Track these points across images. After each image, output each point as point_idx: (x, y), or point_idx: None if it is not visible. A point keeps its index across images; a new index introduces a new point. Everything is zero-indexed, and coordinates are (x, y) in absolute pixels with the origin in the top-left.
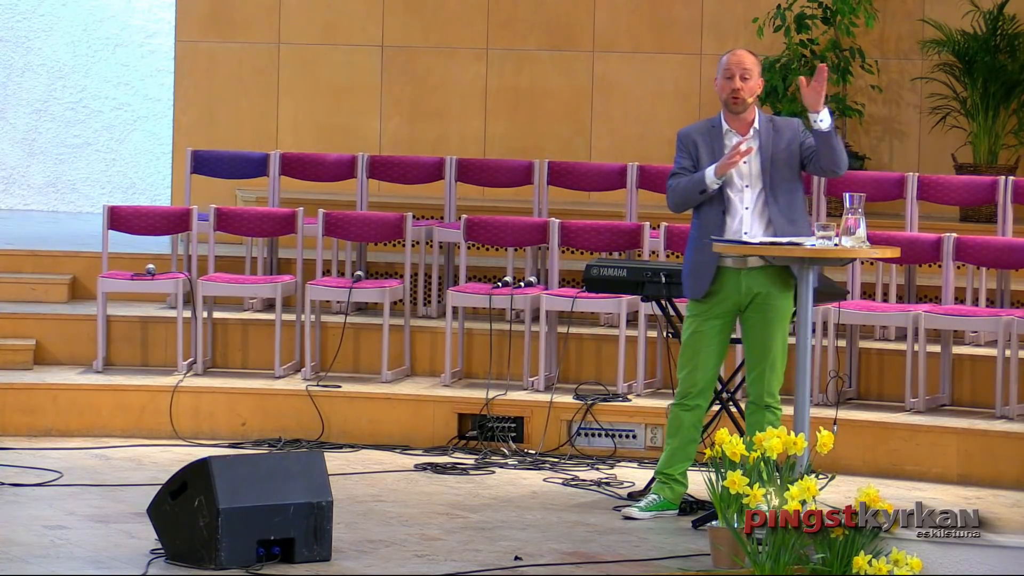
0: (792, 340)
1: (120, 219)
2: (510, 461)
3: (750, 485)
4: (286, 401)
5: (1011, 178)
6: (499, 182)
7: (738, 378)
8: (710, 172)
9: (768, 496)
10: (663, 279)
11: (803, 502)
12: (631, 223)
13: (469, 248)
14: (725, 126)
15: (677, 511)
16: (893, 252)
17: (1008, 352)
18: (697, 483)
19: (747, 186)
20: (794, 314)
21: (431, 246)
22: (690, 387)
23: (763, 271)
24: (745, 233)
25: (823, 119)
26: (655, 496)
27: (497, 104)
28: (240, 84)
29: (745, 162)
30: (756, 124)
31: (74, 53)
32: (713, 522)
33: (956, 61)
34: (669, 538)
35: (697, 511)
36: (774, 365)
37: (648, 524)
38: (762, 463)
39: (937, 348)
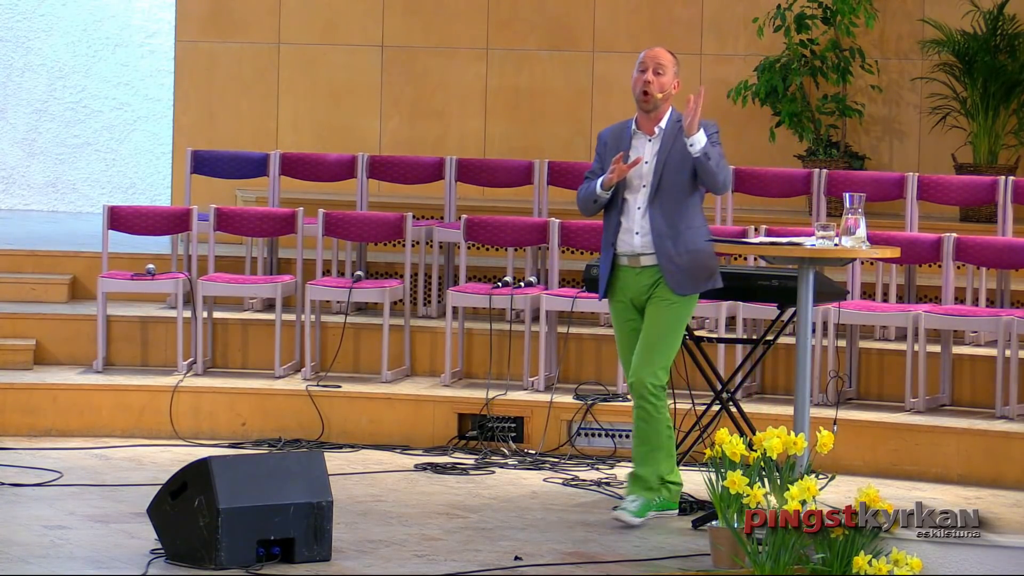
0: (792, 340)
1: (120, 219)
2: (510, 461)
3: (750, 485)
4: (286, 401)
5: (1011, 178)
6: (499, 182)
7: (738, 377)
8: (600, 182)
9: (768, 496)
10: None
11: (803, 502)
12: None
13: (469, 248)
14: (634, 126)
15: (676, 511)
16: (893, 252)
17: (1008, 352)
18: (697, 483)
19: (644, 186)
20: (792, 315)
21: (431, 246)
22: (630, 382)
23: (657, 271)
24: (636, 233)
25: (693, 144)
26: (630, 497)
27: (497, 104)
28: (240, 84)
29: (646, 162)
30: (663, 124)
31: (74, 53)
32: (713, 522)
33: (956, 61)
34: (669, 538)
35: (697, 511)
36: (651, 358)
37: (649, 524)
38: (762, 463)
39: (937, 348)
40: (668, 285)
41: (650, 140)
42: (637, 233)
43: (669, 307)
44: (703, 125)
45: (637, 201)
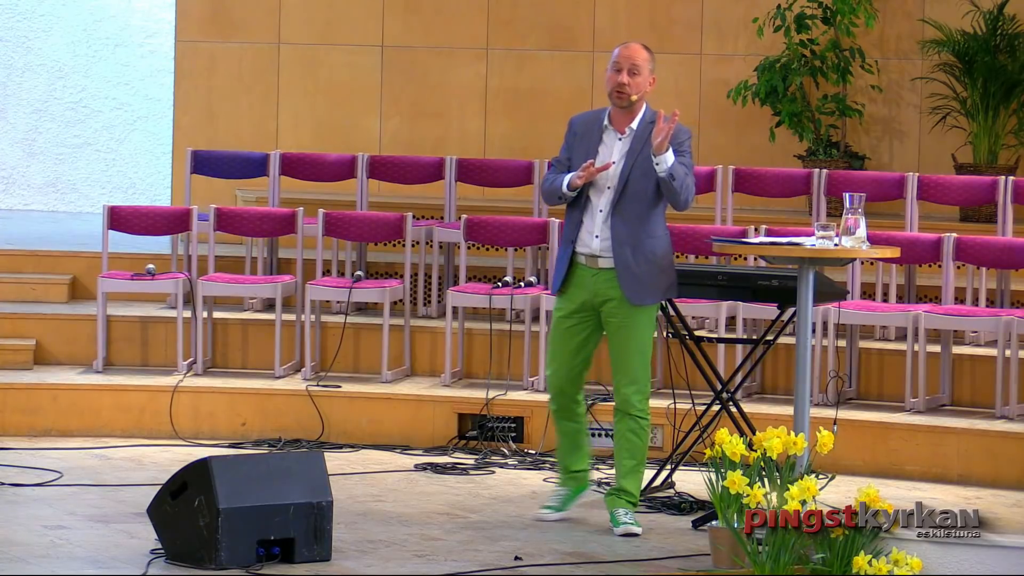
0: (792, 340)
1: (120, 219)
2: (510, 461)
3: (750, 485)
4: (286, 401)
5: (1011, 178)
6: (499, 182)
7: (738, 377)
8: (566, 180)
9: (768, 496)
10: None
11: (803, 502)
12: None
13: (469, 248)
14: (605, 120)
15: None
16: (893, 252)
17: (1008, 352)
18: (697, 483)
19: (609, 188)
20: (792, 315)
21: (431, 246)
22: (551, 381)
23: (614, 275)
24: (596, 236)
25: (659, 163)
26: (564, 489)
27: (497, 104)
28: (240, 84)
29: (614, 162)
30: (634, 124)
31: (74, 53)
32: (713, 522)
33: (956, 61)
34: (669, 538)
35: (697, 511)
36: (634, 376)
37: (649, 524)
38: (762, 463)
39: (937, 348)
40: (624, 293)
41: (620, 139)
42: (597, 236)
43: (634, 326)
44: (676, 131)
45: (601, 203)
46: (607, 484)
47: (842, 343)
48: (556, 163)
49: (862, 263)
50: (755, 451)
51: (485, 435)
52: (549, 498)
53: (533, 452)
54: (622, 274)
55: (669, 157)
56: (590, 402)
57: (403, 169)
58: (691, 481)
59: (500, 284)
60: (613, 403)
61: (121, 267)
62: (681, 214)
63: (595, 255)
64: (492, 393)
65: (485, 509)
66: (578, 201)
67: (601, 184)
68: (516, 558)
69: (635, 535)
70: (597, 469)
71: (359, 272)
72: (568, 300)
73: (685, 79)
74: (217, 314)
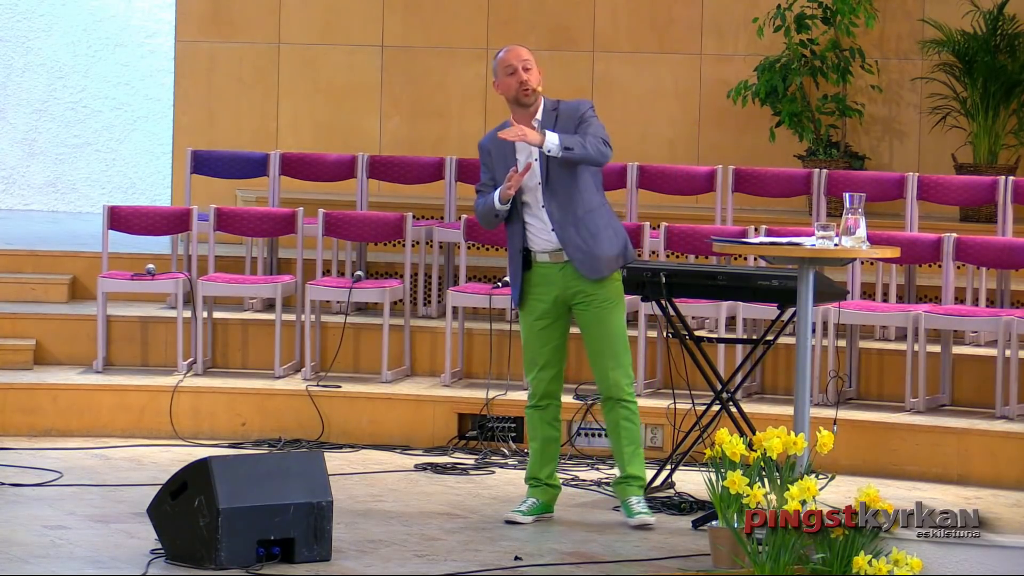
0: (792, 340)
1: (120, 219)
2: (510, 461)
3: (750, 485)
4: (286, 401)
5: (1011, 178)
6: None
7: (738, 377)
8: (497, 196)
9: (768, 496)
10: (663, 279)
11: (803, 502)
12: (631, 223)
13: (469, 248)
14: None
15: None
16: (893, 252)
17: (1008, 352)
18: (697, 483)
19: (537, 183)
20: (792, 315)
21: (431, 246)
22: (537, 388)
23: (572, 262)
24: (552, 231)
25: (549, 149)
26: (533, 500)
27: (497, 104)
28: (240, 84)
29: (535, 159)
30: (538, 116)
31: (74, 53)
32: (713, 522)
33: (956, 61)
34: (669, 538)
35: (697, 511)
36: (618, 360)
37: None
38: (762, 463)
39: (937, 348)
40: (581, 272)
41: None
42: (553, 230)
43: (604, 308)
44: (571, 109)
45: (539, 199)
46: (607, 484)
47: (842, 343)
48: (482, 187)
49: (862, 263)
50: (755, 451)
51: (485, 435)
52: (521, 503)
53: None
54: (573, 255)
55: (551, 137)
56: (590, 402)
57: (403, 169)
58: (691, 481)
59: (500, 284)
60: (600, 395)
61: (121, 267)
62: (681, 214)
63: (556, 248)
64: (492, 393)
65: (485, 509)
66: (515, 210)
67: (531, 184)
68: (516, 558)
69: (649, 526)
70: (597, 469)
71: (359, 272)
72: (538, 300)
73: (685, 79)
74: (217, 314)
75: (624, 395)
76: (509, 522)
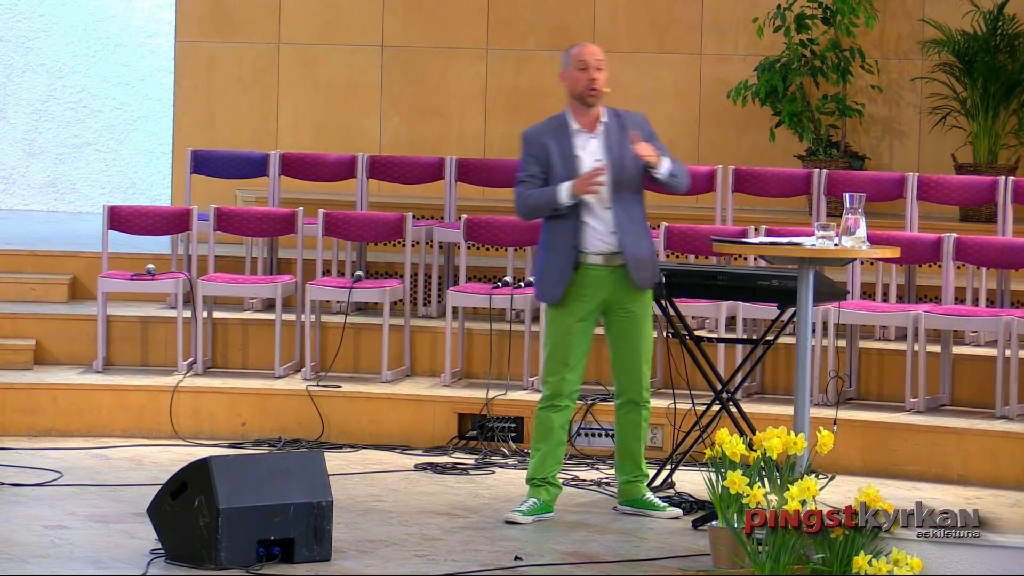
0: (792, 340)
1: (120, 219)
2: (510, 461)
3: (750, 485)
4: (286, 401)
5: (1011, 178)
6: (499, 182)
7: (738, 377)
8: (565, 191)
9: (768, 496)
10: (663, 279)
11: (803, 502)
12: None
13: (469, 248)
14: (574, 124)
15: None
16: (893, 252)
17: (1008, 352)
18: (697, 483)
19: (606, 185)
20: (792, 315)
21: (431, 246)
22: (561, 388)
23: (626, 269)
24: (614, 233)
25: (659, 171)
26: (535, 500)
27: (497, 104)
28: (240, 84)
29: (597, 160)
30: (604, 118)
31: (74, 53)
32: (713, 522)
33: (956, 61)
34: (669, 538)
35: (697, 511)
36: (648, 362)
37: (650, 524)
38: (762, 463)
39: (937, 348)
40: (635, 281)
41: (593, 137)
42: (614, 233)
43: (646, 314)
44: (638, 122)
45: (602, 200)
46: (607, 483)
47: (842, 343)
48: (527, 179)
49: (862, 263)
50: (755, 451)
51: (485, 435)
52: (521, 503)
53: None
54: (632, 263)
55: (664, 161)
56: (590, 402)
57: (403, 169)
58: (691, 481)
59: (500, 284)
60: (617, 397)
61: (121, 267)
62: (681, 214)
63: (612, 252)
64: (492, 393)
65: (485, 509)
66: (571, 207)
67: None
68: (516, 558)
69: (680, 516)
70: (597, 469)
71: (359, 272)
72: (584, 302)
73: (685, 79)
74: (217, 314)
75: (646, 399)
76: (509, 522)
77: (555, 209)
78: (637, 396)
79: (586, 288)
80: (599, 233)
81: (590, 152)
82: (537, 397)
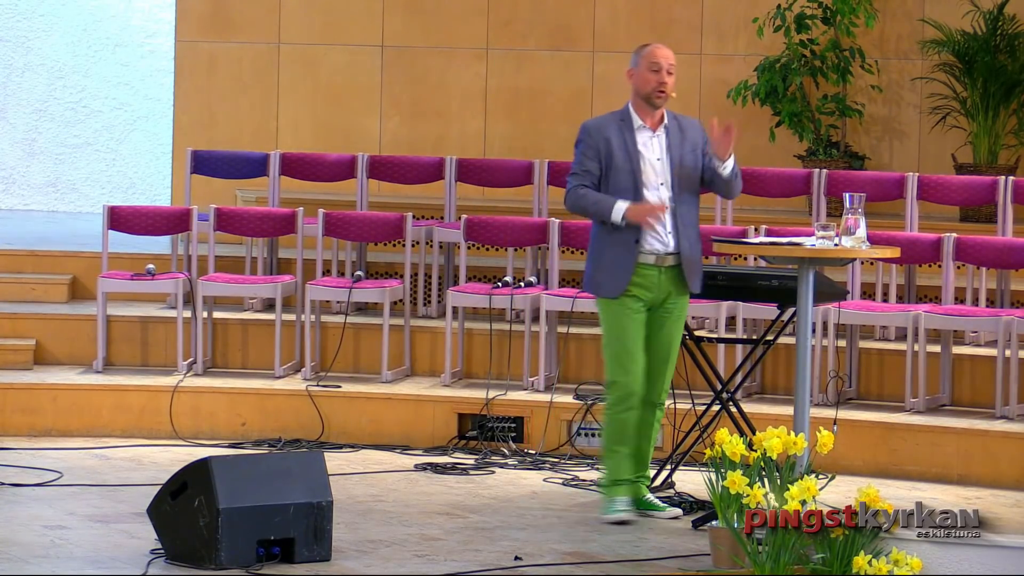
0: (792, 340)
1: (120, 219)
2: (510, 461)
3: (750, 485)
4: (286, 401)
5: (1011, 178)
6: (499, 182)
7: (738, 377)
8: (619, 213)
9: (768, 496)
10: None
11: (803, 502)
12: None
13: (469, 248)
14: (637, 121)
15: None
16: (893, 252)
17: (1008, 352)
18: (697, 483)
19: (662, 184)
20: (792, 315)
21: (431, 246)
22: (631, 387)
23: (677, 271)
24: (670, 234)
25: (727, 167)
26: (626, 498)
27: (497, 104)
28: (240, 84)
29: (658, 159)
30: (666, 121)
31: (74, 53)
32: (713, 522)
33: (956, 61)
34: (669, 538)
35: (697, 511)
36: (674, 365)
37: (650, 524)
38: (762, 463)
39: (937, 348)
40: (686, 283)
41: (655, 135)
42: (671, 233)
43: (681, 319)
44: (697, 128)
45: (661, 199)
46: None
47: (842, 343)
48: (583, 173)
49: (862, 263)
50: (755, 451)
51: (485, 435)
52: (612, 503)
53: (533, 452)
54: (686, 265)
55: (731, 162)
56: (590, 402)
57: (403, 169)
58: (691, 481)
59: (500, 284)
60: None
61: (121, 267)
62: None
63: (667, 252)
64: (492, 393)
65: (485, 509)
66: (630, 200)
67: (652, 181)
68: (516, 558)
69: (680, 516)
70: (597, 469)
71: (359, 272)
72: (637, 299)
73: (685, 79)
74: (217, 314)
75: (663, 400)
76: (618, 522)
77: (603, 222)
78: (656, 397)
79: (639, 287)
80: (656, 233)
81: (652, 150)
82: (537, 397)
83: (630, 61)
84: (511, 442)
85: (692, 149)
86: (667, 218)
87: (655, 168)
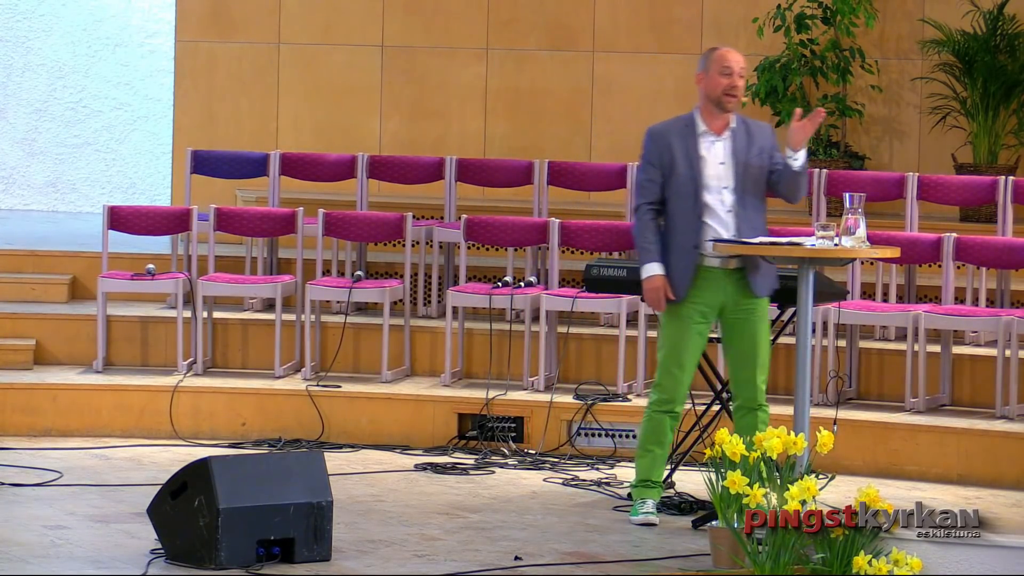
0: (792, 340)
1: (120, 219)
2: (510, 461)
3: (750, 485)
4: (286, 401)
5: (1011, 178)
6: (499, 182)
7: None
8: (645, 275)
9: (768, 496)
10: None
11: (803, 502)
12: (631, 223)
13: (469, 248)
14: (701, 126)
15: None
16: (893, 252)
17: (1008, 352)
18: (697, 483)
19: (724, 188)
20: (792, 315)
21: (431, 246)
22: (676, 393)
23: (744, 272)
24: (733, 237)
25: (799, 159)
26: (652, 500)
27: (497, 104)
28: (240, 84)
29: (721, 163)
30: (732, 124)
31: (74, 53)
32: (713, 522)
33: (956, 61)
34: (669, 538)
35: (697, 511)
36: (764, 366)
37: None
38: (762, 463)
39: (937, 348)
40: (754, 288)
41: (719, 140)
42: (734, 235)
43: (762, 318)
44: (766, 133)
45: (724, 203)
46: (606, 483)
47: (842, 343)
48: (647, 184)
49: (862, 263)
50: (755, 451)
51: (485, 435)
52: (641, 504)
53: (533, 452)
54: (752, 269)
55: (804, 154)
56: (590, 402)
57: (403, 169)
58: (691, 481)
59: (500, 284)
60: (733, 401)
61: (121, 267)
62: None
63: (730, 255)
64: (492, 393)
65: (485, 509)
66: (688, 203)
67: (714, 186)
68: (516, 558)
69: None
70: (597, 469)
71: (359, 272)
72: (703, 304)
73: (685, 79)
74: (217, 314)
75: (760, 402)
76: (644, 524)
77: (645, 258)
78: (751, 402)
79: (705, 290)
80: (719, 236)
81: (715, 154)
82: (537, 397)
83: (698, 65)
84: (511, 442)
85: (759, 153)
86: (730, 222)
87: (718, 172)
